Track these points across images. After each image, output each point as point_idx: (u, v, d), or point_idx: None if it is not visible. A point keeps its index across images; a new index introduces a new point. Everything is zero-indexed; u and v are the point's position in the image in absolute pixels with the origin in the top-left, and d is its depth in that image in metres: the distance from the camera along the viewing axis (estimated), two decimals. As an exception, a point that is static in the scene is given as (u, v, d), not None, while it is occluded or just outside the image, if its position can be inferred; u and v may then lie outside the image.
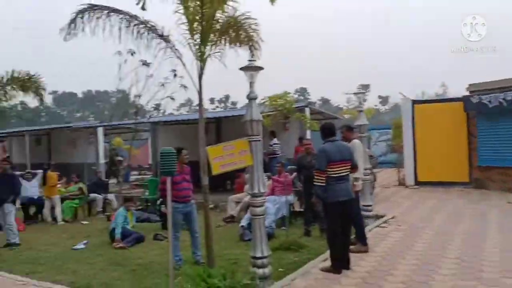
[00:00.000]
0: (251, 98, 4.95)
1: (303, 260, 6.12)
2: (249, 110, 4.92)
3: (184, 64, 5.08)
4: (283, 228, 8.74)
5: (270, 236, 6.97)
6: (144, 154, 24.54)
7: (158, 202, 10.31)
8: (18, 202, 9.45)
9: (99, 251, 7.53)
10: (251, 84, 4.98)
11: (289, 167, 11.25)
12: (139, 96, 10.54)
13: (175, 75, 10.48)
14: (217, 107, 77.21)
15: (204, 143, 5.12)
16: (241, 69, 4.96)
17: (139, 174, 22.81)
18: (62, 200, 11.17)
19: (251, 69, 4.96)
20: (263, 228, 4.95)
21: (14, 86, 7.64)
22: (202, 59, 5.05)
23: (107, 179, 15.76)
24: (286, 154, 12.47)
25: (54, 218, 10.71)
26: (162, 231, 8.60)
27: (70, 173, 14.41)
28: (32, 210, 10.96)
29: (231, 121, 15.74)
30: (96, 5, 4.98)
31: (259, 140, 4.97)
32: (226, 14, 5.46)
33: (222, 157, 5.03)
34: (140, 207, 11.98)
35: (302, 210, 9.71)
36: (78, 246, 7.86)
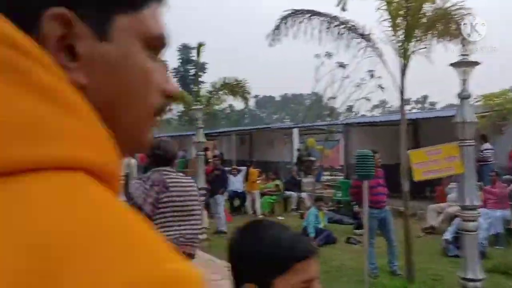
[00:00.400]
0: (463, 97, 4.35)
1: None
2: (460, 111, 4.33)
3: (384, 63, 4.80)
4: (497, 247, 7.58)
5: (481, 255, 6.06)
6: (336, 155, 24.76)
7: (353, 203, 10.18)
8: (225, 195, 10.61)
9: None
10: (464, 81, 4.38)
11: (504, 176, 9.68)
12: (333, 98, 10.71)
13: (372, 76, 10.31)
14: (414, 108, 72.66)
15: (406, 145, 4.74)
16: (452, 65, 4.41)
17: (330, 175, 23.09)
18: (261, 195, 12.08)
19: (464, 64, 4.36)
20: (476, 246, 4.30)
21: (226, 91, 8.59)
22: (405, 56, 4.67)
23: (300, 178, 16.45)
24: (499, 161, 10.76)
25: (254, 211, 11.65)
26: (354, 235, 8.43)
27: (268, 170, 15.56)
28: (236, 202, 12.15)
29: (431, 123, 14.49)
30: (298, 10, 5.13)
31: (473, 145, 4.33)
32: (434, 6, 4.93)
33: (425, 163, 4.57)
34: (332, 208, 12.07)
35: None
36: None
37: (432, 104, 71.23)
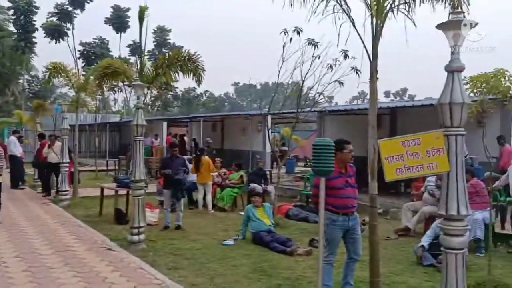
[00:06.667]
0: (453, 70, 3.25)
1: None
2: (447, 88, 3.24)
3: (353, 22, 3.62)
4: (478, 254, 6.63)
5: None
6: (311, 145, 23.77)
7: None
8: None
9: (248, 251, 6.71)
10: (454, 48, 3.28)
11: (486, 173, 8.75)
12: (311, 88, 9.55)
13: (346, 56, 9.16)
14: (392, 100, 72.46)
15: (375, 133, 3.62)
16: (438, 26, 3.30)
17: (305, 166, 22.13)
18: (223, 188, 10.95)
19: (454, 25, 3.25)
20: (462, 269, 3.23)
21: (174, 67, 7.36)
22: (379, 13, 3.50)
23: (269, 169, 15.39)
24: (479, 157, 9.84)
25: (206, 205, 10.51)
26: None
27: (240, 159, 14.48)
28: (195, 195, 10.98)
29: (410, 114, 13.55)
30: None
31: (463, 134, 3.24)
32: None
33: (400, 157, 3.47)
34: (299, 203, 11.03)
35: (507, 233, 7.32)
36: (227, 242, 7.21)
37: (411, 97, 71.10)
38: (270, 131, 18.47)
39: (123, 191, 9.13)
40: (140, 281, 5.01)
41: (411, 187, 9.90)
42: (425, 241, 6.24)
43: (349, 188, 4.54)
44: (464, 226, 3.22)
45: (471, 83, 5.30)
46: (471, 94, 5.47)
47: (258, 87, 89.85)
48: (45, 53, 41.76)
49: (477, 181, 7.15)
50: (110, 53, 41.78)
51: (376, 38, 3.51)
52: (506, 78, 4.85)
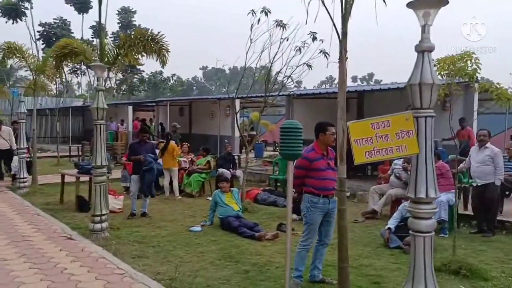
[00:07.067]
0: (423, 50, 3.17)
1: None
2: (417, 69, 3.16)
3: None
4: (442, 235, 6.76)
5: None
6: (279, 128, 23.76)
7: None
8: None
9: (215, 237, 6.58)
10: (424, 28, 3.19)
11: (451, 156, 8.93)
12: (279, 71, 9.38)
13: (314, 38, 9.03)
14: (359, 85, 73.48)
15: (345, 114, 3.51)
16: (409, 4, 3.20)
17: (274, 150, 22.12)
18: (190, 173, 10.73)
19: (424, 4, 3.16)
20: (430, 251, 3.20)
21: (136, 47, 7.01)
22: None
23: (238, 154, 15.24)
24: (440, 138, 10.02)
25: (172, 191, 10.30)
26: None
27: (209, 144, 14.23)
28: (161, 181, 10.71)
29: (377, 98, 13.67)
30: None
31: (432, 116, 3.18)
32: None
33: (369, 139, 3.39)
34: (267, 188, 10.96)
35: (469, 213, 7.50)
36: (195, 228, 7.05)
37: (378, 81, 72.22)
38: (238, 116, 18.28)
39: (85, 178, 8.77)
40: (102, 271, 4.79)
41: (378, 170, 9.99)
42: (391, 223, 6.29)
43: (330, 170, 4.48)
44: (432, 209, 3.19)
45: (438, 66, 5.28)
46: (439, 77, 5.47)
47: (227, 71, 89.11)
48: (4, 35, 39.67)
49: (442, 164, 7.26)
50: (72, 35, 40.09)
51: (345, 15, 3.38)
52: (473, 61, 4.85)
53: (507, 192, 7.85)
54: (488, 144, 6.99)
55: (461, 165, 7.35)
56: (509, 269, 5.16)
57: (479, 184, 6.97)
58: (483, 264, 5.30)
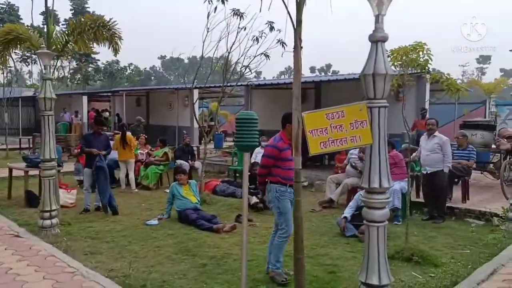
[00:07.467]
0: (377, 39, 3.16)
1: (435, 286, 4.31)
2: (371, 59, 3.16)
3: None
4: (395, 223, 6.95)
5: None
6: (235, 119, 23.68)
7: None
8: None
9: (173, 230, 6.45)
10: (378, 18, 3.18)
11: (404, 145, 9.20)
12: (237, 61, 9.28)
13: (271, 28, 8.98)
14: (317, 75, 74.36)
15: (299, 104, 3.47)
16: (362, -6, 3.18)
17: (233, 141, 22.02)
18: (147, 165, 10.48)
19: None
20: (383, 240, 3.24)
21: (86, 35, 6.69)
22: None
23: (197, 145, 15.06)
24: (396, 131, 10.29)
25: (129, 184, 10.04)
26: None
27: (167, 135, 13.94)
28: (117, 174, 10.39)
29: (334, 88, 13.85)
30: None
31: (385, 106, 3.20)
32: None
33: (324, 130, 3.37)
34: (226, 179, 10.88)
35: (421, 200, 7.75)
36: (151, 222, 6.88)
37: (335, 72, 73.43)
38: (197, 106, 18.02)
39: (35, 172, 8.34)
40: (50, 270, 4.56)
41: (335, 160, 10.14)
42: (347, 212, 6.40)
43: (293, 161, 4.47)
44: (386, 198, 3.21)
45: (392, 56, 5.37)
46: (392, 68, 5.56)
47: (186, 60, 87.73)
48: None
49: (396, 153, 7.45)
50: (21, 21, 37.96)
51: (300, 3, 3.32)
52: (424, 51, 4.96)
53: (456, 180, 8.17)
54: (437, 133, 7.24)
55: (414, 154, 7.57)
56: (458, 255, 5.37)
57: (429, 172, 7.22)
58: (434, 250, 5.48)
